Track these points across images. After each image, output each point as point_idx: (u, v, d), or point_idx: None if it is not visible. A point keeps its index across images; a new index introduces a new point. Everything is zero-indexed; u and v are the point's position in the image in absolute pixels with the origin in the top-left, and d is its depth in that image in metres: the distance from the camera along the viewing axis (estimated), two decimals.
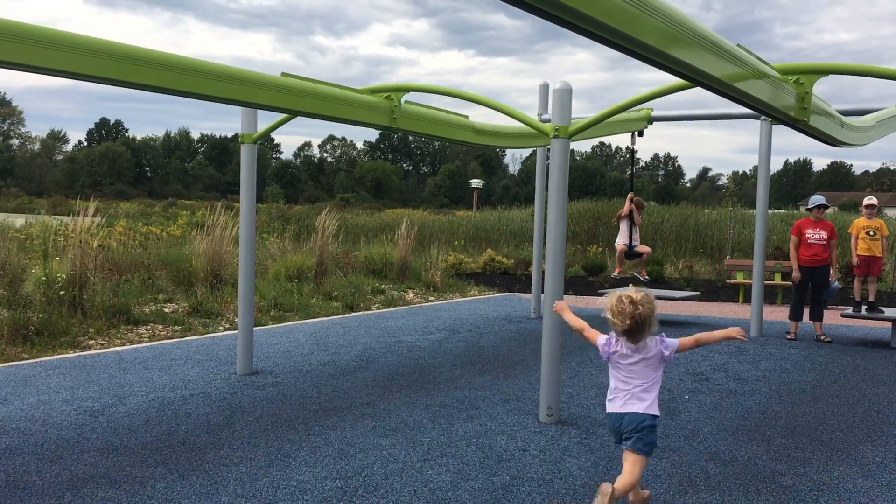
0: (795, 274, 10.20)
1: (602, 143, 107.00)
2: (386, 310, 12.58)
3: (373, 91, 7.47)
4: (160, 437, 5.34)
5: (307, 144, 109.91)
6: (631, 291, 3.82)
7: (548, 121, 7.48)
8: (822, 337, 10.20)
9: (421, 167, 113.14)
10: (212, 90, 5.76)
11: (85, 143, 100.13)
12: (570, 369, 7.81)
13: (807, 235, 10.16)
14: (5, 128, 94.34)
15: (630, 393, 3.89)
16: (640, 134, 10.93)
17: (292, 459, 4.91)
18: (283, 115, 7.23)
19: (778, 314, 12.82)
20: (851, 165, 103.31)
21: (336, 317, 11.56)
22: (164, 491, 4.33)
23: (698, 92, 5.42)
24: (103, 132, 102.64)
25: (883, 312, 10.19)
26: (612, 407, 3.96)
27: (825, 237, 10.13)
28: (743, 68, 5.15)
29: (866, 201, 10.44)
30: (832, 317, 11.94)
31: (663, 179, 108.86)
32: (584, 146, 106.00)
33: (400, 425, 5.71)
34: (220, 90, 5.82)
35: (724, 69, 4.95)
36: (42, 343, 8.41)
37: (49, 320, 8.89)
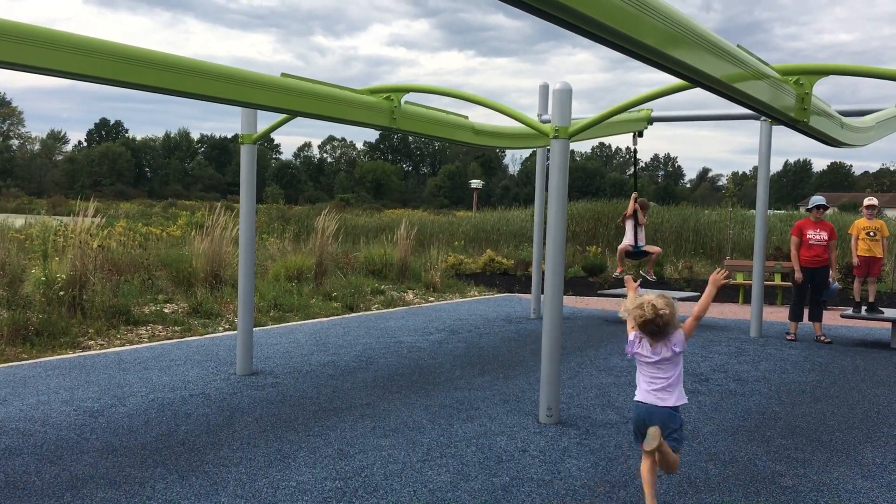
0: (798, 275, 10.19)
1: (602, 144, 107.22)
2: (386, 310, 12.57)
3: (372, 91, 7.47)
4: (160, 437, 5.34)
5: (307, 145, 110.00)
6: (653, 297, 3.99)
7: (548, 121, 7.49)
8: (822, 337, 10.20)
9: (421, 168, 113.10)
10: (211, 90, 5.76)
11: (85, 144, 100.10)
12: (569, 370, 7.81)
13: (808, 236, 10.15)
14: (5, 128, 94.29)
15: (660, 388, 4.09)
16: (640, 134, 10.95)
17: (292, 460, 4.91)
18: (283, 116, 7.24)
19: (778, 315, 12.82)
20: (851, 166, 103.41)
21: (336, 317, 11.56)
22: (163, 491, 4.33)
23: (698, 92, 5.43)
24: (103, 132, 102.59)
25: (883, 313, 10.18)
26: (642, 397, 4.15)
27: (825, 238, 10.13)
28: (743, 69, 5.15)
29: (867, 202, 10.43)
30: (832, 317, 11.94)
31: (663, 180, 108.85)
32: (584, 147, 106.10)
33: (400, 426, 5.71)
34: (219, 90, 5.82)
35: (724, 70, 4.95)
36: (42, 343, 8.41)
37: (49, 321, 8.88)
